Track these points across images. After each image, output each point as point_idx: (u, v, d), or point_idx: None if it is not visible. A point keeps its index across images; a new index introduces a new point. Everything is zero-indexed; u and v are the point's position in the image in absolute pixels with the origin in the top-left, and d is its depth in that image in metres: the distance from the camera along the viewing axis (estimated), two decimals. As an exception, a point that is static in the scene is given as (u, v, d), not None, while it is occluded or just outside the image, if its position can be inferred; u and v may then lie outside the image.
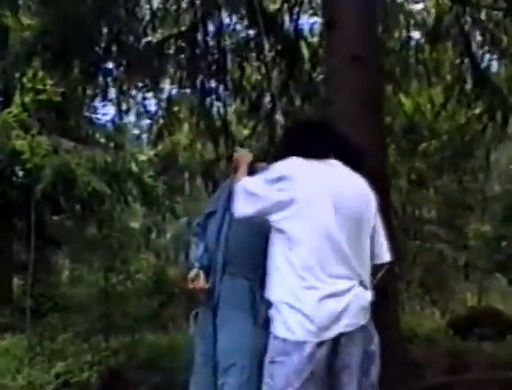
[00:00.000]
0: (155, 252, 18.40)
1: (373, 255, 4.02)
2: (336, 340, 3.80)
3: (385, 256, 4.10)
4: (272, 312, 4.13)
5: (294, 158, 4.00)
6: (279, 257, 4.10)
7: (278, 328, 4.01)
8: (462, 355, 9.42)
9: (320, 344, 3.77)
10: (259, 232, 5.14)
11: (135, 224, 18.83)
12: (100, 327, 10.29)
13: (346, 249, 3.82)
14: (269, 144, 10.78)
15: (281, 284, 4.07)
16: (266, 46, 11.17)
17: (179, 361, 7.57)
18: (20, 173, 12.52)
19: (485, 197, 16.99)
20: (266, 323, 5.01)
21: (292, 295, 3.92)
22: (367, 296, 3.90)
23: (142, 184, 13.94)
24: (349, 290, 3.81)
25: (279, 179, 3.98)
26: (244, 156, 4.66)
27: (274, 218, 4.09)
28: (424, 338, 11.27)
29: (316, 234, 3.85)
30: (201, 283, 5.10)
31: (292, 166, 3.97)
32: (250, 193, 4.23)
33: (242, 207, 4.35)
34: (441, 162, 13.73)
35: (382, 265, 4.10)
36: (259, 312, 5.02)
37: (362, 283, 3.88)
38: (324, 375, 3.84)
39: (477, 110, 12.17)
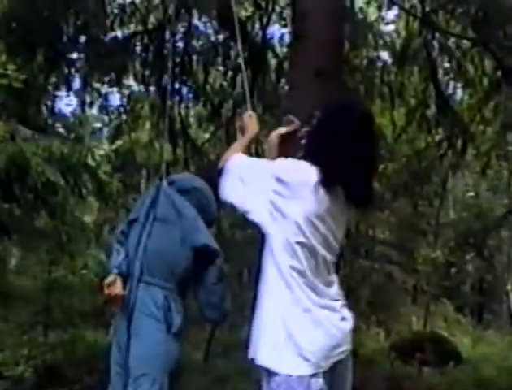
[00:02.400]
0: (105, 248, 18.25)
1: None
2: None
3: None
4: None
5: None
6: None
7: None
8: (400, 379, 9.44)
9: None
10: (180, 242, 5.12)
11: (88, 218, 18.66)
12: (41, 321, 10.16)
13: None
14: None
15: None
16: (234, 52, 11.16)
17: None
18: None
19: (439, 222, 17.08)
20: (179, 334, 5.01)
21: None
22: None
23: (97, 179, 13.81)
24: None
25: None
26: (253, 124, 3.98)
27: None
28: (365, 359, 11.26)
29: None
30: (118, 289, 5.03)
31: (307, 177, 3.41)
32: (242, 179, 3.64)
33: (229, 191, 3.68)
34: (398, 184, 13.76)
35: None
36: (173, 322, 4.99)
37: None
38: None
39: (438, 136, 12.24)
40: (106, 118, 17.72)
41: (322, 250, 3.45)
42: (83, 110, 15.87)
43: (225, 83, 11.98)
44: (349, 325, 3.58)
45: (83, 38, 11.41)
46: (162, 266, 5.09)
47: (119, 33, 12.01)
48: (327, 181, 3.38)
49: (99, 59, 11.19)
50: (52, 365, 7.64)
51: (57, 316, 10.57)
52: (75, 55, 11.90)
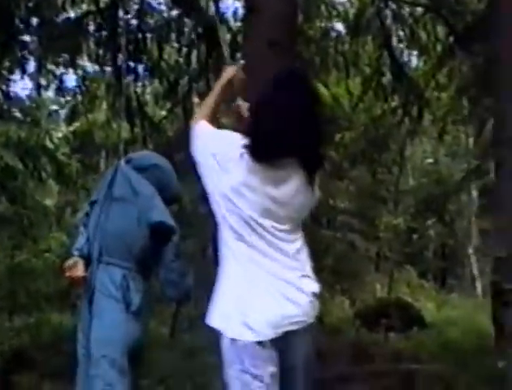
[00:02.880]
0: (67, 231, 18.18)
1: None
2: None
3: None
4: None
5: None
6: None
7: None
8: (366, 346, 9.55)
9: None
10: (136, 221, 5.14)
11: (49, 202, 18.56)
12: (5, 306, 10.12)
13: None
14: (185, 126, 10.72)
15: None
16: (188, 28, 11.13)
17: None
18: None
19: (398, 190, 17.21)
20: (139, 313, 5.02)
21: None
22: None
23: (56, 161, 13.74)
24: None
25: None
26: (232, 71, 4.04)
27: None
28: (331, 327, 11.37)
29: None
30: (79, 272, 5.04)
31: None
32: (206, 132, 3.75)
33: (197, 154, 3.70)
34: (356, 153, 13.84)
35: None
36: (132, 301, 5.01)
37: None
38: None
39: (394, 104, 12.32)
40: (62, 100, 17.57)
41: (263, 220, 3.50)
42: (39, 94, 15.67)
43: (180, 59, 11.94)
44: (305, 297, 3.60)
45: (35, 20, 11.27)
46: (120, 245, 5.09)
47: (71, 14, 11.90)
48: (258, 152, 3.47)
49: (52, 41, 11.07)
50: (19, 349, 7.62)
51: (22, 300, 10.54)
52: (28, 38, 11.75)
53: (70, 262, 5.04)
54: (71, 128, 17.46)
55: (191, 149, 3.74)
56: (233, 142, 3.53)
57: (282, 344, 3.54)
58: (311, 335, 3.67)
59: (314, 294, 3.65)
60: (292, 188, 3.57)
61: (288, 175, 3.55)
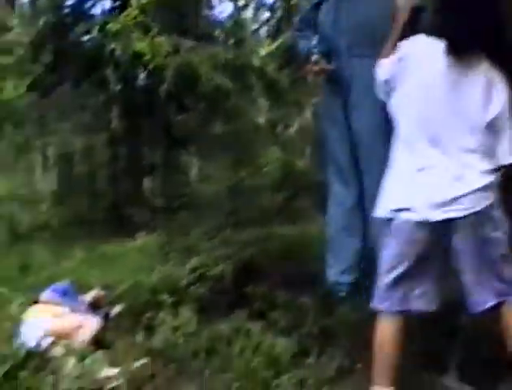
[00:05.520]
0: (282, 146, 18.37)
1: None
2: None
3: None
4: None
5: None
6: None
7: None
8: None
9: None
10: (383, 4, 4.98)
11: (261, 119, 18.80)
12: (230, 222, 10.38)
13: None
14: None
15: None
16: None
17: (311, 251, 7.62)
18: (142, 75, 12.61)
19: None
20: None
21: None
22: None
23: (265, 78, 13.84)
24: None
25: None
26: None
27: None
28: None
29: None
30: (325, 65, 5.05)
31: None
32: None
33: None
34: None
35: None
36: None
37: None
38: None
39: None
40: (263, 17, 17.64)
41: None
42: (239, 14, 15.83)
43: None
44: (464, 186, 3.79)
45: None
46: (369, 34, 5.02)
47: None
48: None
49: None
50: (249, 261, 7.81)
51: (245, 216, 10.77)
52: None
53: (315, 57, 5.06)
54: (276, 44, 17.51)
55: None
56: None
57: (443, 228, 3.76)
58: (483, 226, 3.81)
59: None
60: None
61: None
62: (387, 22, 4.75)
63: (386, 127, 4.67)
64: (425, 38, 3.90)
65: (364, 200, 5.42)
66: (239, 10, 15.08)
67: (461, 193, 3.72)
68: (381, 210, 4.00)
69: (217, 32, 17.54)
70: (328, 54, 5.15)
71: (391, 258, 3.90)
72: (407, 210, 3.80)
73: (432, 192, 3.76)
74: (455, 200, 3.71)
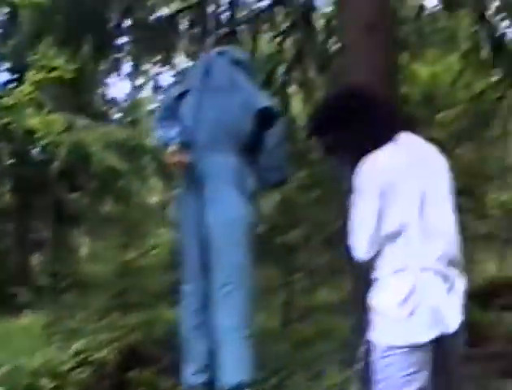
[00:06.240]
0: (172, 227, 18.39)
1: None
2: None
3: None
4: None
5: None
6: None
7: None
8: (480, 327, 9.31)
9: None
10: (241, 108, 5.10)
11: (154, 199, 18.79)
12: (117, 304, 10.27)
13: None
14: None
15: None
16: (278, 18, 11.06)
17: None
18: (35, 151, 12.50)
19: (504, 165, 16.72)
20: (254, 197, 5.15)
21: None
22: None
23: (158, 159, 13.89)
24: None
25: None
26: None
27: None
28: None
29: None
30: (185, 158, 5.06)
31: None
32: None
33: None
34: (459, 131, 13.48)
35: None
36: (248, 187, 5.03)
37: None
38: None
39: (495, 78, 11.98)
40: (159, 98, 17.78)
41: None
42: (136, 94, 15.91)
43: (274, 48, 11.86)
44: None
45: (128, 22, 11.40)
46: (226, 133, 5.09)
47: (163, 12, 12.00)
48: None
49: (146, 41, 11.19)
50: (133, 346, 7.72)
51: (133, 298, 10.68)
52: (122, 40, 11.90)
53: (172, 148, 5.07)
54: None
55: None
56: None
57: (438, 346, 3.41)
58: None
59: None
60: None
61: None
62: (246, 121, 5.05)
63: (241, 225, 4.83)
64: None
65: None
66: (136, 89, 15.10)
67: None
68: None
69: (112, 111, 17.60)
70: (189, 146, 5.18)
71: None
72: None
73: None
74: None
